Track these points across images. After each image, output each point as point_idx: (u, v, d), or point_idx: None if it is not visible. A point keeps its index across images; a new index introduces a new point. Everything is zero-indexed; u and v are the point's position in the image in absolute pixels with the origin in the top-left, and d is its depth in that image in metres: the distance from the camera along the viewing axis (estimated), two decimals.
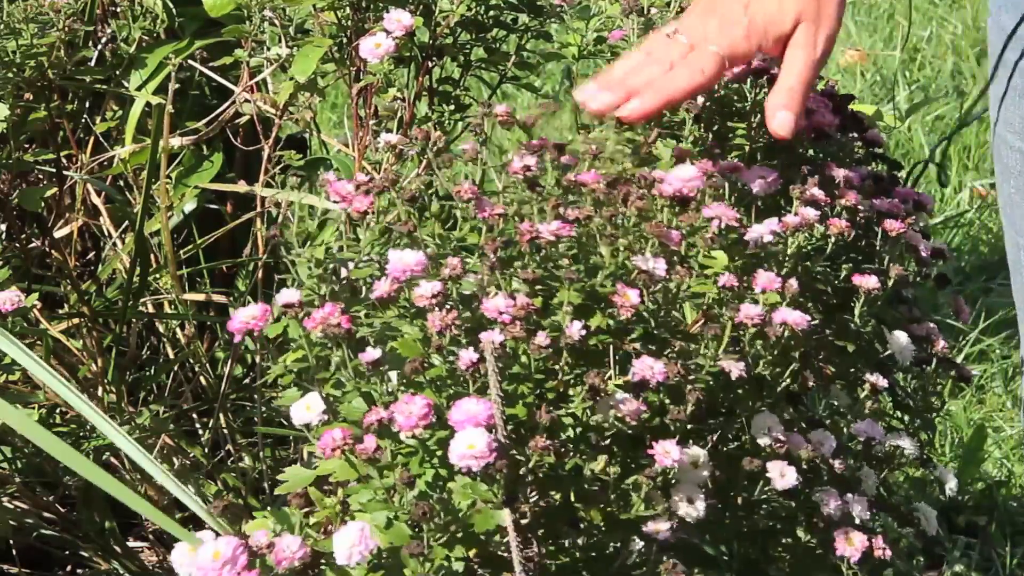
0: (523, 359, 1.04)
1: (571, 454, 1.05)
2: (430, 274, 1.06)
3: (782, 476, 1.12)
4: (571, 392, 1.05)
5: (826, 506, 1.14)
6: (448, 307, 1.04)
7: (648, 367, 1.06)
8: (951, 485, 1.27)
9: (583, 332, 1.04)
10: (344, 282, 1.13)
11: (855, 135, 1.43)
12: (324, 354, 1.05)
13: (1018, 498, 2.58)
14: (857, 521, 1.15)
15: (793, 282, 1.14)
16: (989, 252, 3.45)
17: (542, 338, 1.03)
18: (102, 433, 1.80)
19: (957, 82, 4.60)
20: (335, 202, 1.15)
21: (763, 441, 1.13)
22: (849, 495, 1.15)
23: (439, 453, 1.00)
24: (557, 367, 1.05)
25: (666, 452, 1.04)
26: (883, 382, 1.22)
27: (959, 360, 2.91)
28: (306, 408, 1.07)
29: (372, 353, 1.03)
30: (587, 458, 1.05)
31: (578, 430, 1.05)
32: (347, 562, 0.96)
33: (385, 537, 1.00)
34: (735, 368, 1.09)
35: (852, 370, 1.26)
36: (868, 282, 1.22)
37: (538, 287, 1.07)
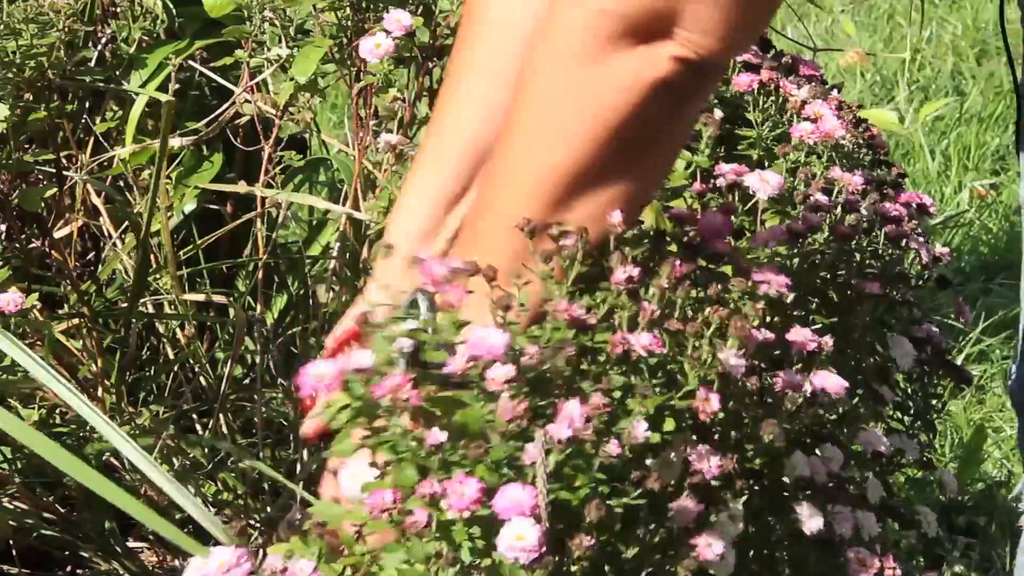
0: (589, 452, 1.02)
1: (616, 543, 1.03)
2: (507, 357, 1.03)
3: (810, 518, 1.10)
4: (628, 490, 1.03)
5: (840, 527, 1.13)
6: (523, 393, 1.01)
7: (705, 459, 1.04)
8: (952, 488, 1.26)
9: (647, 434, 1.02)
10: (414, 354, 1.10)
11: (861, 140, 1.43)
12: (383, 424, 1.03)
13: (1018, 498, 2.58)
14: (866, 538, 1.14)
15: (828, 340, 1.13)
16: (989, 252, 3.44)
17: (614, 447, 1.01)
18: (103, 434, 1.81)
19: (957, 82, 4.60)
20: (424, 285, 1.12)
21: (790, 478, 1.11)
22: (860, 512, 1.14)
23: (483, 528, 0.98)
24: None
25: (708, 545, 1.03)
26: (888, 393, 1.22)
27: (959, 360, 2.91)
28: (352, 476, 1.05)
29: (437, 435, 1.01)
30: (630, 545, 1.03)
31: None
32: None
33: None
34: (777, 434, 1.08)
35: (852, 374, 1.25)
36: (872, 287, 1.22)
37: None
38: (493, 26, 1.29)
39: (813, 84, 1.47)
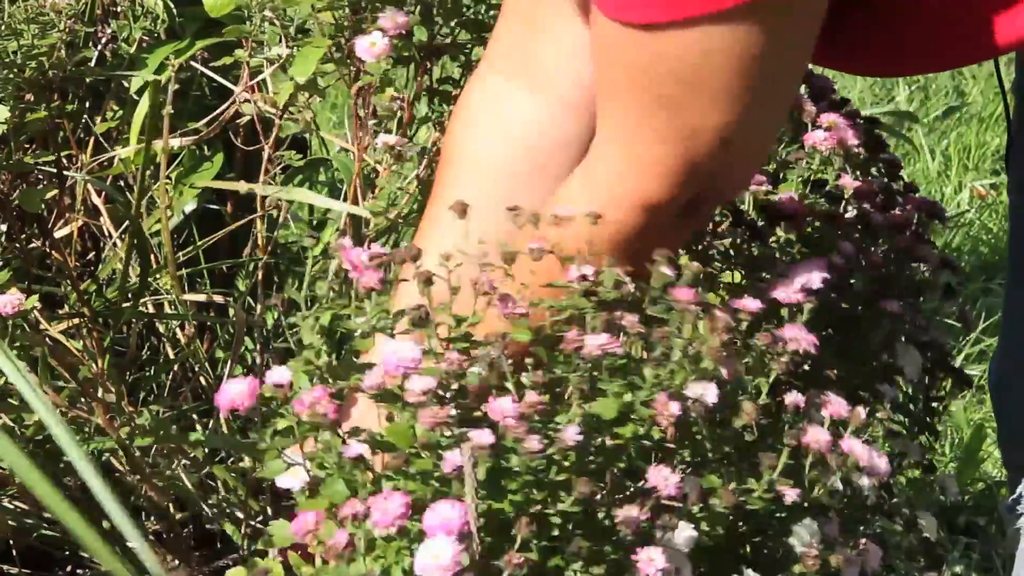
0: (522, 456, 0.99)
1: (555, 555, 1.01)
2: (425, 369, 1.02)
3: None
4: (561, 497, 0.99)
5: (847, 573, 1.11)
6: (445, 398, 0.99)
7: (663, 478, 1.00)
8: (953, 492, 1.26)
9: (579, 438, 0.98)
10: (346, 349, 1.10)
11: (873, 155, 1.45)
12: (312, 433, 1.03)
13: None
14: (869, 573, 1.12)
15: (861, 411, 1.09)
16: (989, 252, 3.44)
17: (534, 443, 0.97)
18: (108, 434, 1.81)
19: (957, 82, 4.60)
20: (346, 269, 1.12)
21: (799, 548, 1.07)
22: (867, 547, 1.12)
23: (416, 545, 0.97)
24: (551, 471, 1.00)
25: (650, 560, 0.99)
26: (889, 391, 1.21)
27: (959, 360, 2.91)
28: (292, 475, 1.06)
29: (355, 448, 1.00)
30: (569, 560, 1.00)
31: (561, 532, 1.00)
32: None
33: None
34: (790, 494, 1.04)
35: (856, 380, 1.25)
36: (891, 307, 1.23)
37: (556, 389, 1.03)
38: (471, 166, 1.29)
39: (827, 98, 1.49)
